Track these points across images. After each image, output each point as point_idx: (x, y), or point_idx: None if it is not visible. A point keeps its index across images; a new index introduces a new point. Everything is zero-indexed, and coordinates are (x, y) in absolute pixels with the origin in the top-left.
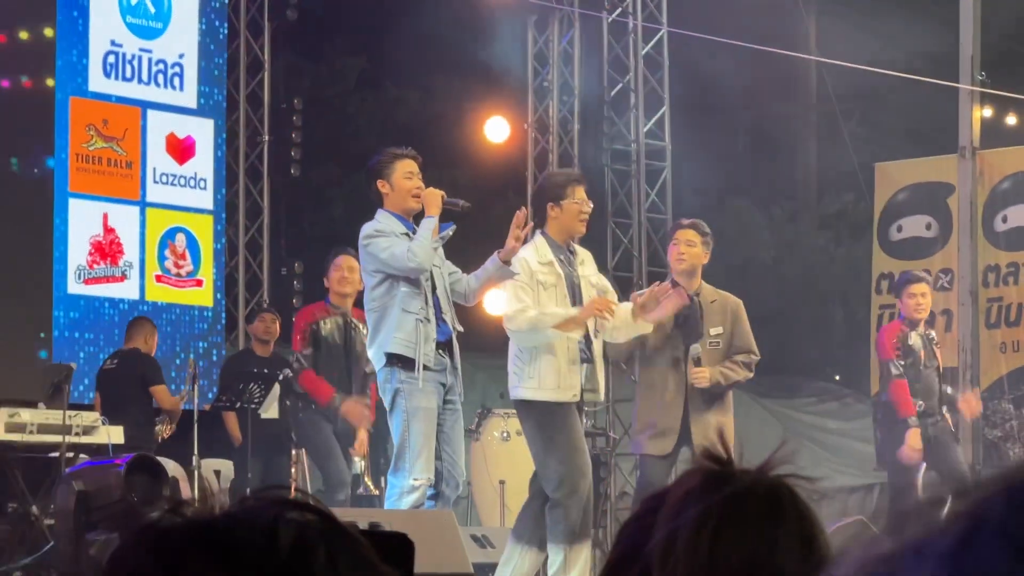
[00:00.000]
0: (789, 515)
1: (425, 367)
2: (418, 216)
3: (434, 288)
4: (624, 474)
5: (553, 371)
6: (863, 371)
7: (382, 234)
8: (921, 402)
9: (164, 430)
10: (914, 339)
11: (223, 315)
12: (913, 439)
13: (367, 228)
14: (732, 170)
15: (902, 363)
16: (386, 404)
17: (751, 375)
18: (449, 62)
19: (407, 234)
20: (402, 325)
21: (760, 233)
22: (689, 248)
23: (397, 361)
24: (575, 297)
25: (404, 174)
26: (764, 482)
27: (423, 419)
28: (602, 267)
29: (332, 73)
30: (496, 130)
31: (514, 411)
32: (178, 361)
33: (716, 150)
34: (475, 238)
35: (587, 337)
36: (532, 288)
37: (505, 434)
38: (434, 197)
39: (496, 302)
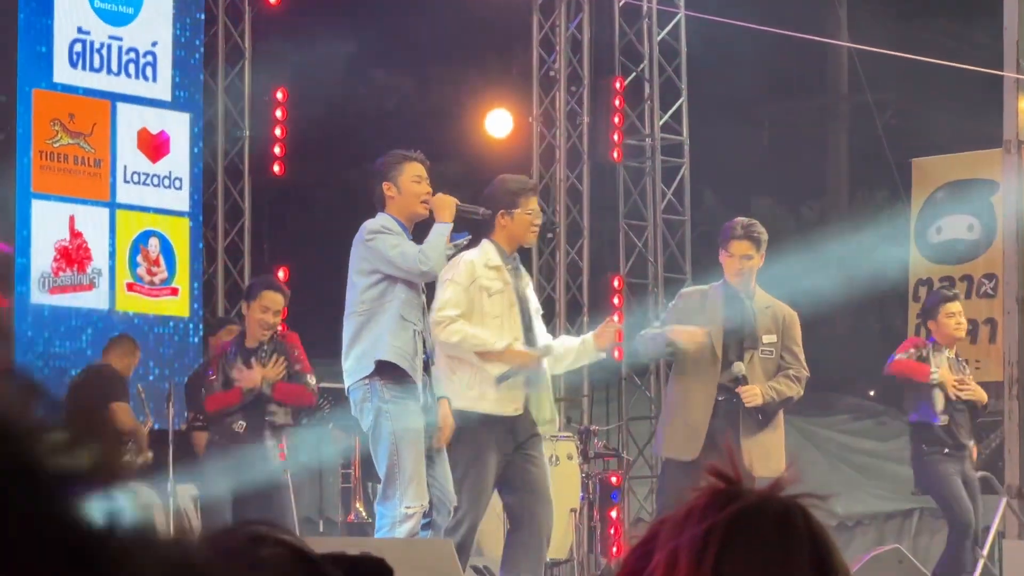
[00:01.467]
0: (801, 537)
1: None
2: (422, 225)
3: None
4: (639, 499)
5: (490, 381)
6: (901, 386)
7: (389, 231)
8: (946, 433)
9: (136, 458)
10: (941, 363)
11: (200, 327)
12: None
13: (372, 223)
14: (756, 167)
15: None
16: (364, 425)
17: (802, 392)
18: (447, 49)
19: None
20: (399, 333)
21: (787, 235)
22: (746, 263)
23: (385, 374)
24: (525, 307)
25: (412, 177)
26: (775, 501)
27: (412, 442)
28: (615, 272)
29: (319, 62)
30: (498, 123)
31: None
32: (151, 377)
33: (738, 145)
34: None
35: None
36: (470, 294)
37: None
38: (446, 203)
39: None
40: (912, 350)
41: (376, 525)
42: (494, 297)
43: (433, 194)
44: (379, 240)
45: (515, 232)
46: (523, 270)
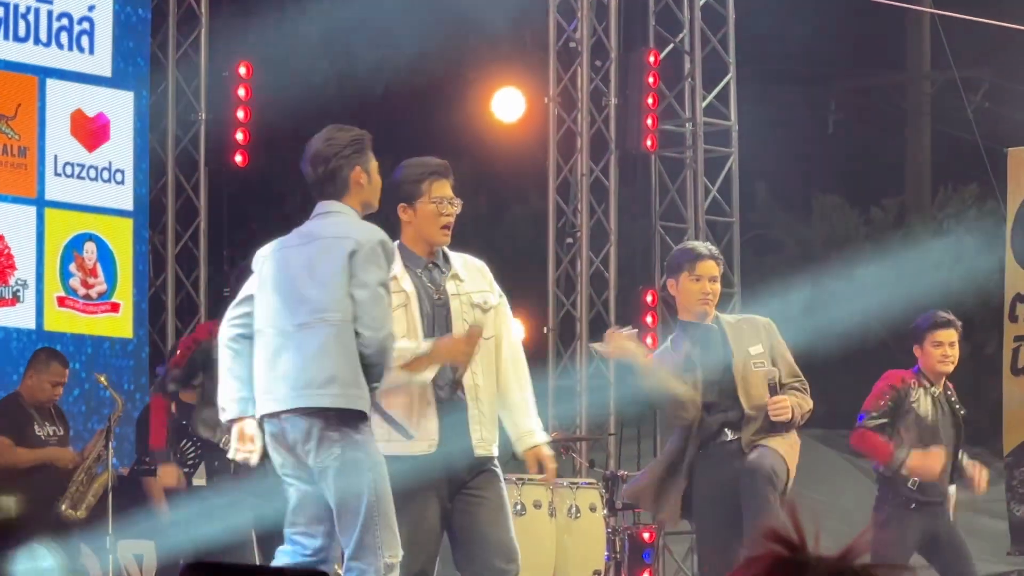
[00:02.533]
0: None
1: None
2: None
3: None
4: (676, 559)
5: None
6: (994, 421)
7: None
8: (915, 479)
9: (70, 510)
10: (921, 401)
11: (146, 350)
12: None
13: (381, 236)
14: (818, 158)
15: (882, 420)
16: (324, 458)
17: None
18: (445, 16)
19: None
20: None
21: (855, 240)
22: (714, 285)
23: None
24: (441, 321)
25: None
26: (849, 573)
27: (386, 480)
28: (648, 285)
29: (288, 31)
30: (507, 105)
31: (525, 476)
32: (84, 408)
33: (797, 132)
34: (484, 247)
35: (453, 379)
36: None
37: (520, 507)
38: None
39: None
40: (886, 399)
41: None
42: (396, 314)
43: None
44: (376, 281)
45: (421, 229)
46: (455, 267)
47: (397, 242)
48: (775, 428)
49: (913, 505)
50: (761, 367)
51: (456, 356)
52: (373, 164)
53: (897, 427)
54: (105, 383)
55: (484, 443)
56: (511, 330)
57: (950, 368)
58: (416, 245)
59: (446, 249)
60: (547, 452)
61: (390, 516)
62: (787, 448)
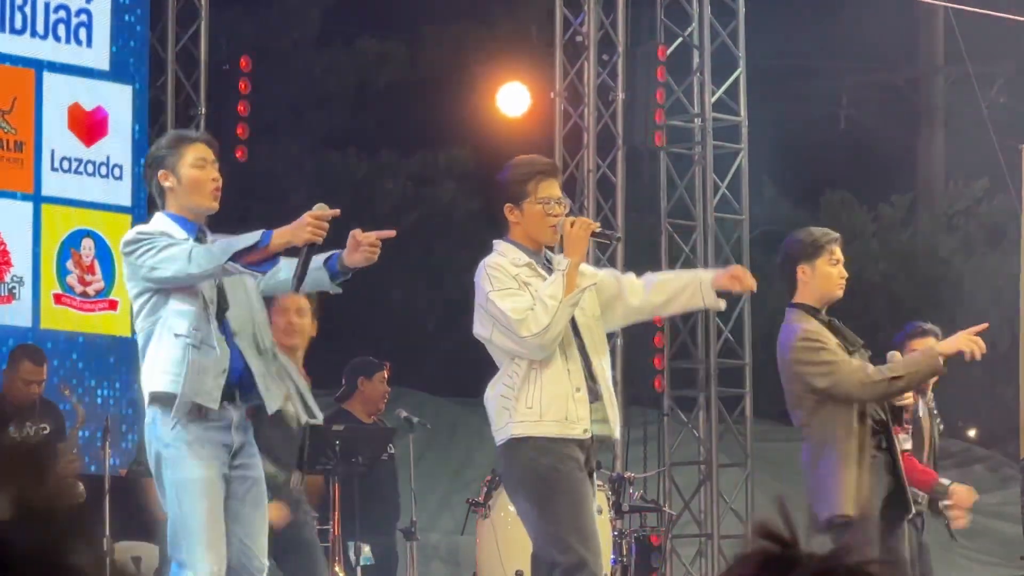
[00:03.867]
0: None
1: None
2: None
3: (224, 306)
4: (684, 563)
5: (558, 397)
6: (1009, 425)
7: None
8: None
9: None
10: (920, 410)
11: None
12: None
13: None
14: (828, 154)
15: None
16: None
17: None
18: (448, 8)
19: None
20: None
21: (865, 238)
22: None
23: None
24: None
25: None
26: (841, 570)
27: (199, 492)
28: None
29: (289, 22)
30: (512, 100)
31: None
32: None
33: (808, 127)
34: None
35: (590, 369)
36: (519, 287)
37: None
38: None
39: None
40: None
41: None
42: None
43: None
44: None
45: (530, 231)
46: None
47: (506, 240)
48: None
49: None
50: None
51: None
52: (187, 160)
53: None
54: (68, 394)
55: (614, 425)
56: (606, 273)
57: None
58: (527, 243)
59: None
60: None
61: (198, 529)
62: None
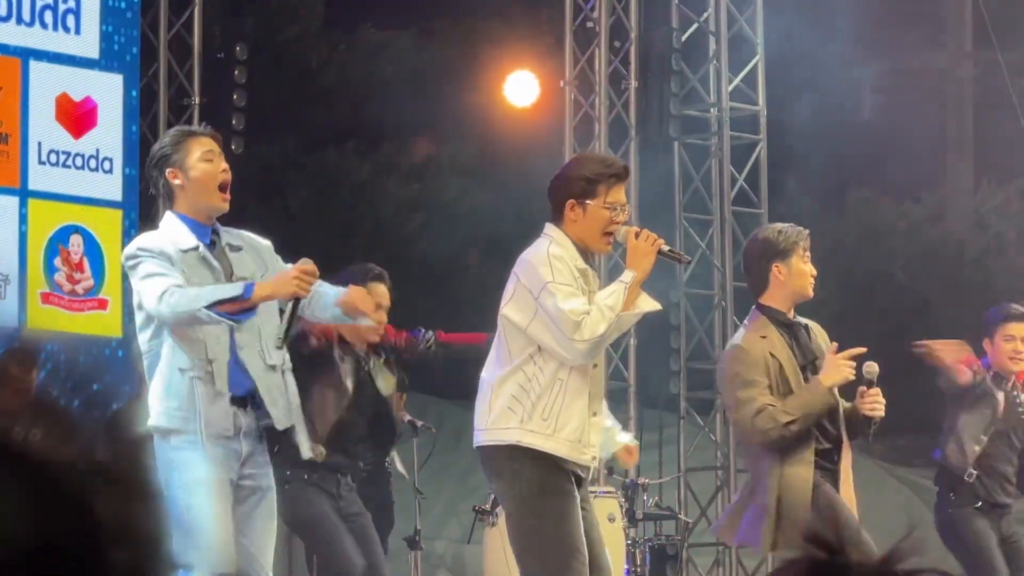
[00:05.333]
0: None
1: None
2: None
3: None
4: (701, 572)
5: (577, 415)
6: None
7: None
8: (984, 480)
9: None
10: (996, 395)
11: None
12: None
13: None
14: (853, 146)
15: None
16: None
17: None
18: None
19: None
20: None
21: (890, 236)
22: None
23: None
24: None
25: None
26: None
27: (208, 493)
28: (672, 283)
29: (288, 10)
30: (521, 89)
31: None
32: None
33: (831, 117)
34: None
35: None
36: (579, 289)
37: None
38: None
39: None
40: (973, 370)
41: None
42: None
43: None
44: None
45: (585, 231)
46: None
47: (562, 230)
48: None
49: (979, 504)
50: None
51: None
52: (194, 155)
53: (957, 412)
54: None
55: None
56: None
57: (1019, 367)
58: (579, 244)
59: None
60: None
61: (204, 532)
62: None
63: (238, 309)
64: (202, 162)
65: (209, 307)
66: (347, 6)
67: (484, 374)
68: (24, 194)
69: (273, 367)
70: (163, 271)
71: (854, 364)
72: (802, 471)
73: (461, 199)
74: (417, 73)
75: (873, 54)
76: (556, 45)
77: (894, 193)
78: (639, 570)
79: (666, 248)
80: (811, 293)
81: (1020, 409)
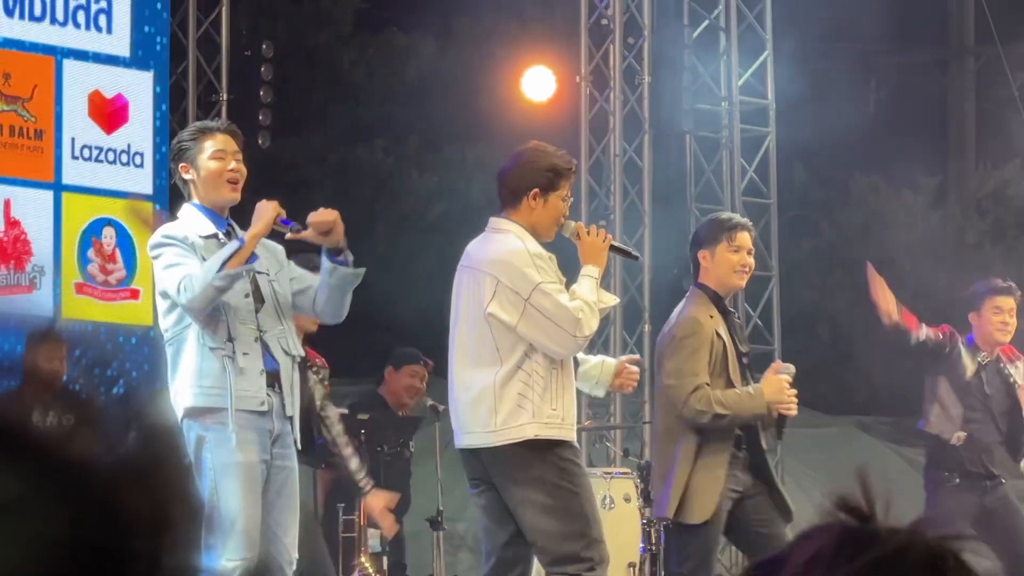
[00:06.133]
0: None
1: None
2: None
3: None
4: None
5: (572, 402)
6: None
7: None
8: (967, 450)
9: None
10: (964, 359)
11: None
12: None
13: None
14: (860, 137)
15: (930, 339)
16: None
17: None
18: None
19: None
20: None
21: (895, 224)
22: (750, 258)
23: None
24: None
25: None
26: (921, 545)
27: (238, 476)
28: (684, 269)
29: (318, 12)
30: (538, 85)
31: None
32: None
33: (837, 110)
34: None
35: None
36: (560, 283)
37: None
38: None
39: None
40: (943, 332)
41: None
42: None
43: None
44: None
45: (540, 221)
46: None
47: (519, 225)
48: None
49: (960, 477)
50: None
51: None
52: (205, 152)
53: (936, 379)
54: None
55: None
56: None
57: (1007, 338)
58: (534, 234)
59: None
60: None
61: (231, 515)
62: None
63: (245, 259)
64: (211, 160)
65: (219, 271)
66: (376, 9)
67: (470, 374)
68: (58, 188)
69: (291, 356)
70: (181, 261)
71: (794, 391)
72: (717, 457)
73: (481, 192)
74: (439, 72)
75: (878, 47)
76: (572, 42)
77: (896, 181)
78: (654, 548)
79: (617, 244)
80: (738, 283)
81: (1010, 380)
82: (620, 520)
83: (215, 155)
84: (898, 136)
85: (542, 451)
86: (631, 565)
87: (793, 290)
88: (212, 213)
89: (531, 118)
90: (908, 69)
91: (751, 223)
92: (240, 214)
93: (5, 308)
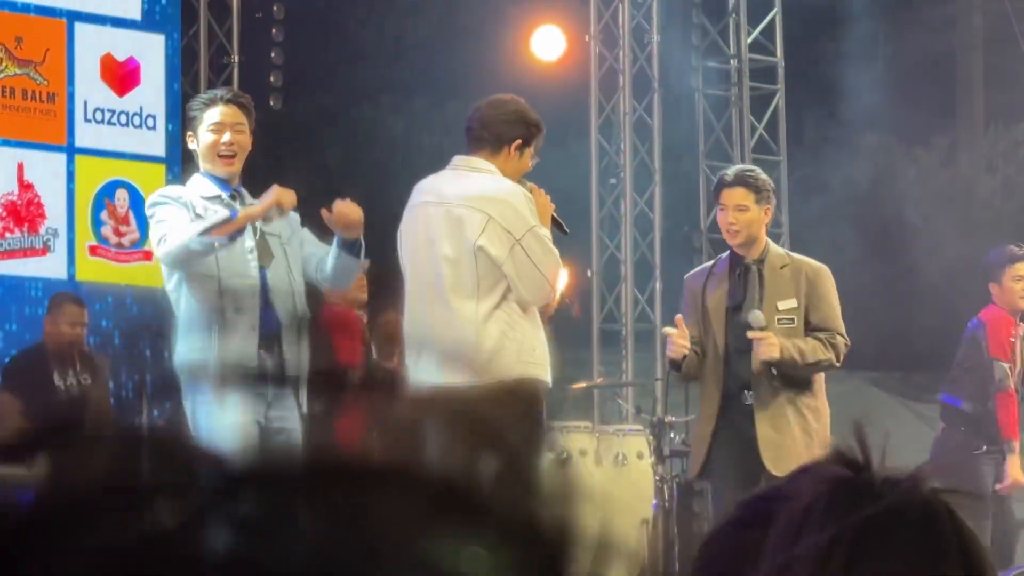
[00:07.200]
0: (949, 546)
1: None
2: None
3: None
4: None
5: (545, 340)
6: None
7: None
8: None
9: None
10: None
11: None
12: (1015, 469)
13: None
14: (868, 95)
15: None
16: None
17: (838, 364)
18: None
19: None
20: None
21: (905, 182)
22: (741, 214)
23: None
24: None
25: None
26: (917, 499)
27: (235, 437)
28: (694, 226)
29: None
30: (547, 44)
31: (578, 425)
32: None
33: (845, 68)
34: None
35: None
36: None
37: (564, 455)
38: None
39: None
40: (1013, 346)
41: None
42: None
43: None
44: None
45: (510, 173)
46: None
47: (502, 177)
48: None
49: (984, 448)
50: (789, 324)
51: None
52: (205, 123)
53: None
54: (88, 350)
55: None
56: None
57: None
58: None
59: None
60: None
61: None
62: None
63: (230, 232)
64: (208, 132)
65: (201, 235)
66: None
67: (444, 311)
68: (71, 151)
69: (298, 319)
70: (168, 217)
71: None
72: (706, 407)
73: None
74: (449, 31)
75: (887, 4)
76: (581, 1)
77: (906, 138)
78: (667, 505)
79: (557, 215)
80: (730, 240)
81: None
82: (633, 477)
83: (212, 128)
84: (907, 94)
85: (535, 389)
86: (644, 522)
87: (803, 247)
88: (217, 180)
89: (541, 77)
90: (916, 26)
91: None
92: (251, 171)
93: (21, 270)
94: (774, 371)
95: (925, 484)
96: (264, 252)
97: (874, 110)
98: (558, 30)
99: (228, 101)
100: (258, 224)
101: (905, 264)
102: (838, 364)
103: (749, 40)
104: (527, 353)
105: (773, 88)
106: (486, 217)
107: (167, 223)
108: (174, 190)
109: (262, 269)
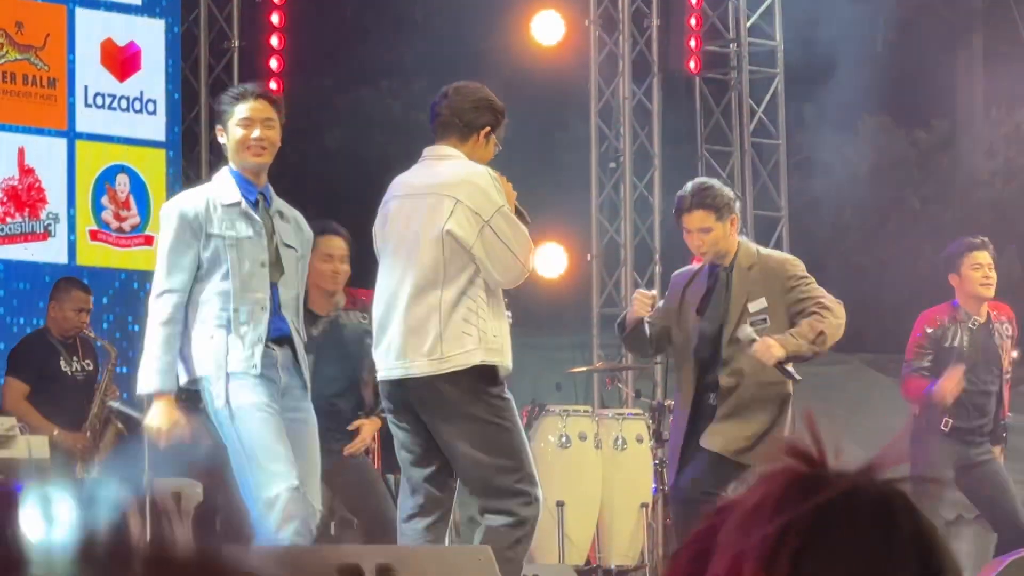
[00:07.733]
0: (903, 537)
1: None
2: None
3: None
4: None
5: (507, 326)
6: None
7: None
8: (949, 419)
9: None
10: (960, 337)
11: None
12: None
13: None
14: (868, 77)
15: (926, 365)
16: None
17: (842, 318)
18: None
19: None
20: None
21: (904, 165)
22: (705, 235)
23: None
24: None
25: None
26: (869, 488)
27: (265, 414)
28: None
29: None
30: (547, 28)
31: (578, 409)
32: (126, 345)
33: (847, 50)
34: (526, 174)
35: None
36: None
37: (565, 439)
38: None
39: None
40: (924, 346)
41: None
42: None
43: None
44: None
45: (477, 159)
46: None
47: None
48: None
49: (949, 429)
50: (763, 325)
51: None
52: (235, 118)
53: (942, 370)
54: (93, 335)
55: None
56: None
57: (992, 292)
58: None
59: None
60: None
61: (261, 449)
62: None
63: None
64: (237, 127)
65: (147, 362)
66: None
67: (410, 302)
68: (72, 136)
69: (298, 332)
70: (173, 262)
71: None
72: (680, 403)
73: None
74: (449, 16)
75: None
76: None
77: (906, 121)
78: (666, 488)
79: (519, 205)
80: (701, 259)
81: (997, 340)
82: (632, 461)
83: (241, 122)
84: (907, 76)
85: (476, 385)
86: (643, 505)
87: (802, 230)
88: (244, 180)
89: (540, 61)
90: (914, 8)
91: None
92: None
93: (23, 255)
94: (790, 368)
95: (878, 474)
96: (277, 268)
97: (873, 93)
98: (557, 14)
99: (258, 96)
100: (276, 238)
101: (904, 247)
102: (842, 319)
103: (748, 24)
104: (490, 341)
105: (773, 72)
106: (454, 201)
107: (169, 277)
108: (191, 202)
109: (274, 285)
